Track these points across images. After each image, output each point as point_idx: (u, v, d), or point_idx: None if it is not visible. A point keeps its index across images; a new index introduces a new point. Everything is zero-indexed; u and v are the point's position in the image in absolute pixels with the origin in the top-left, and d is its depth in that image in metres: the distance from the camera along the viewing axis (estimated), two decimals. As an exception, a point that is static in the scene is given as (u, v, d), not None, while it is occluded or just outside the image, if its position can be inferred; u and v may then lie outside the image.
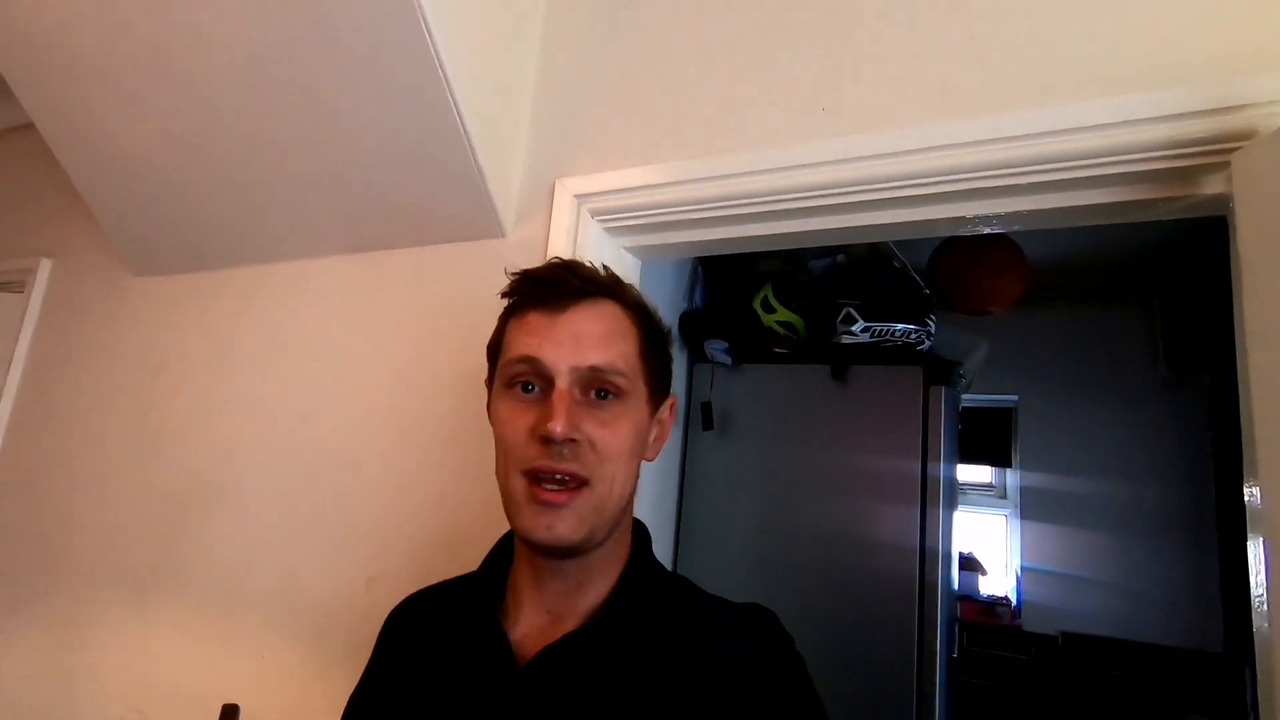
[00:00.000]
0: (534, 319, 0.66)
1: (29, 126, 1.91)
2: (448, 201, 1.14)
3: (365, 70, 1.04)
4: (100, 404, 1.57)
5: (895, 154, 0.89)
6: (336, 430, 1.23)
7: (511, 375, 0.66)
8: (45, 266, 1.79)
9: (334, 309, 1.30)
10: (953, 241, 1.86)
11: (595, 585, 0.66)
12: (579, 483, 0.61)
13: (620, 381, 0.64)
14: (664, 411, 0.72)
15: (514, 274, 0.71)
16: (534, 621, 0.67)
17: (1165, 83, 0.80)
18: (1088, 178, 0.83)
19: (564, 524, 0.61)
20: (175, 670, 1.26)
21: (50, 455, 1.61)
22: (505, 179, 1.15)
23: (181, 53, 1.14)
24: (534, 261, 1.12)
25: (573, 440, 0.61)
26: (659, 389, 0.70)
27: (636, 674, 0.60)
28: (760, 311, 1.87)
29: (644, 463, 0.70)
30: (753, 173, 0.99)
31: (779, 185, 0.98)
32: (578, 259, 0.73)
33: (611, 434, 0.63)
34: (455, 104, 1.04)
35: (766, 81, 1.03)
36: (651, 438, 0.70)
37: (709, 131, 1.05)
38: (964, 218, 0.91)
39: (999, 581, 2.74)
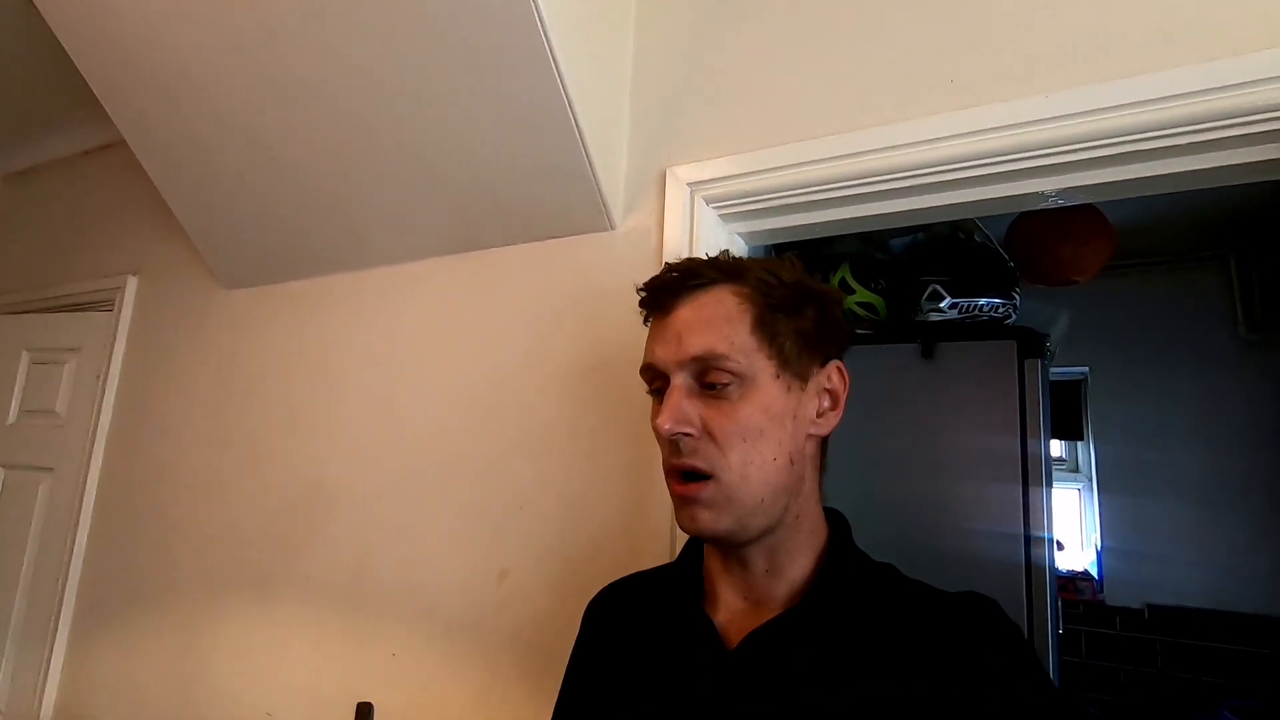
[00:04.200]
0: (653, 326, 0.70)
1: (107, 147, 1.95)
2: (557, 196, 1.14)
3: (477, 66, 1.04)
4: (200, 415, 1.60)
5: (1037, 122, 0.87)
6: (451, 431, 1.24)
7: (648, 386, 0.70)
8: (132, 284, 1.82)
9: (440, 309, 1.30)
10: (1035, 210, 1.81)
11: (788, 571, 0.66)
12: (701, 477, 0.62)
13: (727, 364, 0.62)
14: (825, 379, 0.67)
15: (640, 289, 0.70)
16: (734, 607, 0.68)
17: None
18: (1241, 135, 0.80)
19: (704, 514, 0.63)
20: (304, 671, 1.29)
21: (154, 466, 1.64)
22: (613, 170, 1.14)
23: (278, 59, 1.15)
24: (646, 252, 1.13)
25: (687, 434, 0.62)
26: (801, 358, 0.65)
27: (848, 659, 0.59)
28: (838, 293, 1.85)
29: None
30: (878, 150, 0.97)
31: (906, 162, 0.96)
32: (689, 256, 0.72)
33: (729, 421, 0.62)
34: (567, 96, 1.03)
35: (886, 56, 1.00)
36: (814, 411, 0.66)
37: (827, 110, 1.03)
38: (1109, 183, 0.88)
39: (1076, 556, 2.69)
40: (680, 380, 0.64)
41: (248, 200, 1.42)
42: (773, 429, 0.63)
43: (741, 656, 0.62)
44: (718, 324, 0.63)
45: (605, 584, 0.82)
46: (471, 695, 1.12)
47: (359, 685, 1.22)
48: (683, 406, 0.62)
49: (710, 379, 0.63)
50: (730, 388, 0.62)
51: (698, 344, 0.63)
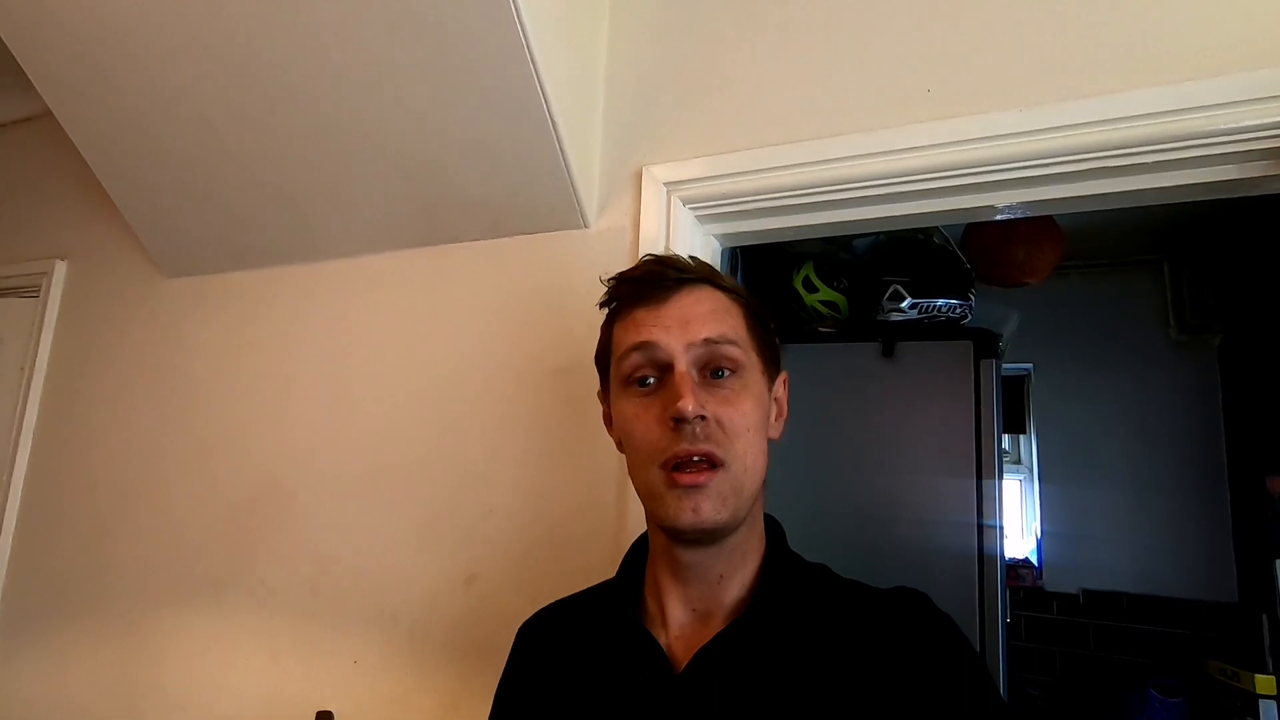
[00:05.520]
0: (639, 314, 0.67)
1: (33, 119, 1.81)
2: (529, 191, 1.10)
3: (448, 55, 1.00)
4: (138, 411, 1.51)
5: (1012, 135, 0.89)
6: (415, 431, 1.20)
7: (628, 372, 0.66)
8: (61, 269, 1.70)
9: (402, 304, 1.25)
10: (990, 215, 1.87)
11: (738, 575, 0.66)
12: (715, 463, 0.61)
13: (735, 353, 0.64)
14: (779, 389, 0.71)
15: (609, 280, 0.72)
16: (681, 622, 0.66)
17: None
18: (1206, 155, 0.83)
19: (708, 504, 0.60)
20: (260, 679, 1.23)
21: (87, 466, 1.54)
22: (587, 166, 1.11)
23: (230, 34, 1.08)
24: (621, 251, 1.11)
25: (702, 419, 0.61)
26: (771, 364, 0.70)
27: (797, 666, 0.59)
28: (802, 291, 1.86)
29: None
30: (856, 156, 0.97)
31: (882, 170, 0.96)
32: (669, 253, 0.74)
33: (736, 411, 0.62)
34: (542, 90, 1.00)
35: (865, 63, 1.00)
36: (772, 416, 0.69)
37: (804, 114, 1.03)
38: (1079, 197, 0.91)
39: (1018, 544, 2.81)
40: (684, 366, 0.62)
41: (192, 183, 1.34)
42: (762, 424, 0.65)
43: (690, 677, 0.61)
44: (721, 315, 0.66)
45: (578, 590, 0.80)
46: (437, 705, 1.09)
47: (319, 694, 1.17)
48: (699, 391, 0.61)
49: (717, 365, 0.63)
50: (733, 378, 0.64)
51: (709, 329, 0.63)
